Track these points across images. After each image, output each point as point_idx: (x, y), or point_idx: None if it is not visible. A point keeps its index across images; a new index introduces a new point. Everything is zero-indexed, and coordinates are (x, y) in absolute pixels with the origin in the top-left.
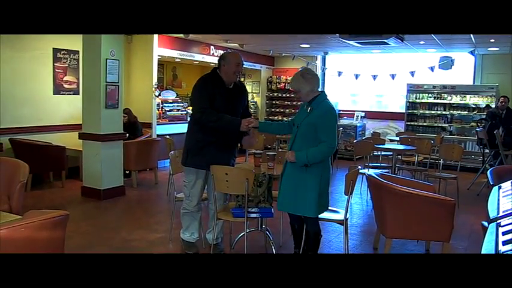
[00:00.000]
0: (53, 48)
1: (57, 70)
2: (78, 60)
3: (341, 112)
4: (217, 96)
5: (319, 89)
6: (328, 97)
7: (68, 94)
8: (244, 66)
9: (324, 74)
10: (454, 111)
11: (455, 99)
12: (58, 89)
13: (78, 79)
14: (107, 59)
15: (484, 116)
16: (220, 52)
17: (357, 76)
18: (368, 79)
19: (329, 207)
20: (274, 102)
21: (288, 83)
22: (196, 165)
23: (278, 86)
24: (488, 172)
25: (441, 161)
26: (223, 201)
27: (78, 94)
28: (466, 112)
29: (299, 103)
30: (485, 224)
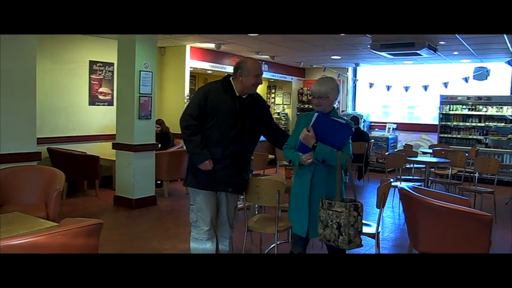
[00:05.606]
0: (90, 61)
1: (93, 82)
2: (112, 72)
3: (372, 124)
4: (221, 109)
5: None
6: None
7: (102, 105)
8: (275, 77)
9: (355, 86)
10: (490, 123)
11: (491, 111)
12: (93, 100)
13: (112, 90)
14: (140, 71)
15: None
16: None
17: (388, 88)
18: (400, 90)
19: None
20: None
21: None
22: (197, 185)
23: (309, 97)
24: None
25: (476, 174)
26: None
27: (113, 105)
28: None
29: None
30: None
